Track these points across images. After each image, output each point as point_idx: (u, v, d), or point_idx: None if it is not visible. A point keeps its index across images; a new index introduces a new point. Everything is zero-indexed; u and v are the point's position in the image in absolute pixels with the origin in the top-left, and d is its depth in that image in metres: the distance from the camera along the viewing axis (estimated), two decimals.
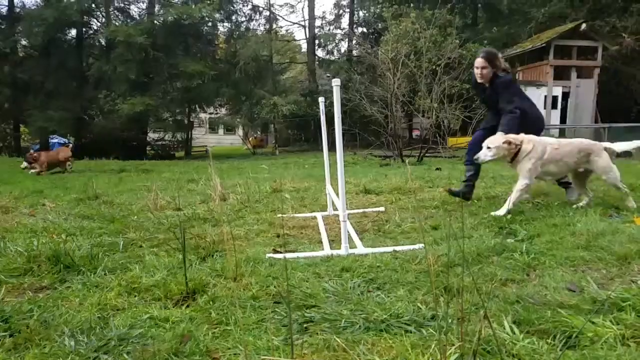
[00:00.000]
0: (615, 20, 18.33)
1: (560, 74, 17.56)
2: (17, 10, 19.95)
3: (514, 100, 3.89)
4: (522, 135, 3.60)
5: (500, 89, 3.95)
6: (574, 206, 3.58)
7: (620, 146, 3.55)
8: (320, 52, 25.00)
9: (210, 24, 21.83)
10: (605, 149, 3.54)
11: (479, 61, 3.96)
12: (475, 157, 3.70)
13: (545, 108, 17.10)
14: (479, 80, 4.04)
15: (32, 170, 9.32)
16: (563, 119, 17.65)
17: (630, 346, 1.43)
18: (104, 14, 21.10)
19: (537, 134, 3.79)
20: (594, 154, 3.53)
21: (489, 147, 3.60)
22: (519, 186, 3.52)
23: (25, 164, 9.54)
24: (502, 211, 3.44)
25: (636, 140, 3.53)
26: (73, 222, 3.68)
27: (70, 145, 10.71)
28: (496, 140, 3.60)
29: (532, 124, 3.90)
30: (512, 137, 3.56)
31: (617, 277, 2.06)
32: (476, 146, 3.87)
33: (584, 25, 16.42)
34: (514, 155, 3.57)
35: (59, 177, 8.43)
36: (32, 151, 10.22)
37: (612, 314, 1.61)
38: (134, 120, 18.05)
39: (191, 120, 23.54)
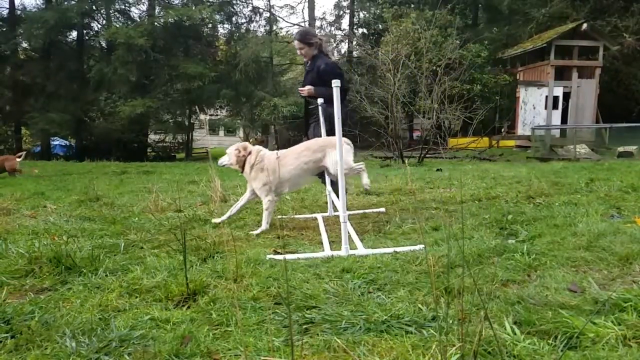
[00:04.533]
0: (616, 20, 18.31)
1: (561, 74, 17.53)
2: (18, 12, 19.99)
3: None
4: (256, 147, 3.51)
5: (323, 75, 3.82)
6: None
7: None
8: None
9: (210, 25, 21.87)
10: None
11: (295, 44, 4.10)
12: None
13: (546, 108, 17.09)
14: (304, 60, 4.16)
15: None
16: (564, 119, 17.60)
17: (632, 347, 1.43)
18: (104, 16, 21.18)
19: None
20: (329, 148, 3.40)
21: (227, 153, 3.50)
22: (265, 206, 3.39)
23: None
24: (258, 230, 3.35)
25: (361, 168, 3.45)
26: (74, 223, 3.68)
27: (21, 154, 10.45)
28: (232, 146, 3.52)
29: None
30: (243, 145, 3.44)
31: (618, 277, 2.06)
32: None
33: (585, 25, 16.40)
34: (243, 165, 3.46)
35: (60, 179, 8.44)
36: None
37: (614, 315, 1.61)
38: (134, 122, 18.09)
39: (192, 121, 23.55)
